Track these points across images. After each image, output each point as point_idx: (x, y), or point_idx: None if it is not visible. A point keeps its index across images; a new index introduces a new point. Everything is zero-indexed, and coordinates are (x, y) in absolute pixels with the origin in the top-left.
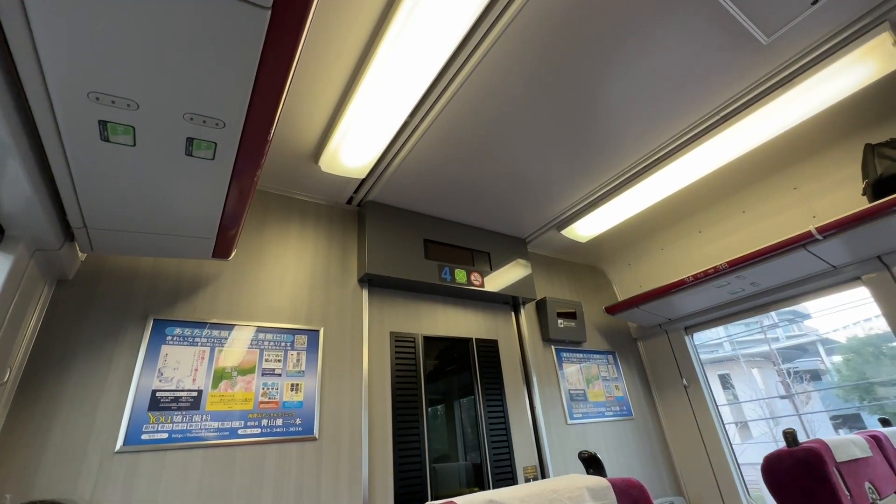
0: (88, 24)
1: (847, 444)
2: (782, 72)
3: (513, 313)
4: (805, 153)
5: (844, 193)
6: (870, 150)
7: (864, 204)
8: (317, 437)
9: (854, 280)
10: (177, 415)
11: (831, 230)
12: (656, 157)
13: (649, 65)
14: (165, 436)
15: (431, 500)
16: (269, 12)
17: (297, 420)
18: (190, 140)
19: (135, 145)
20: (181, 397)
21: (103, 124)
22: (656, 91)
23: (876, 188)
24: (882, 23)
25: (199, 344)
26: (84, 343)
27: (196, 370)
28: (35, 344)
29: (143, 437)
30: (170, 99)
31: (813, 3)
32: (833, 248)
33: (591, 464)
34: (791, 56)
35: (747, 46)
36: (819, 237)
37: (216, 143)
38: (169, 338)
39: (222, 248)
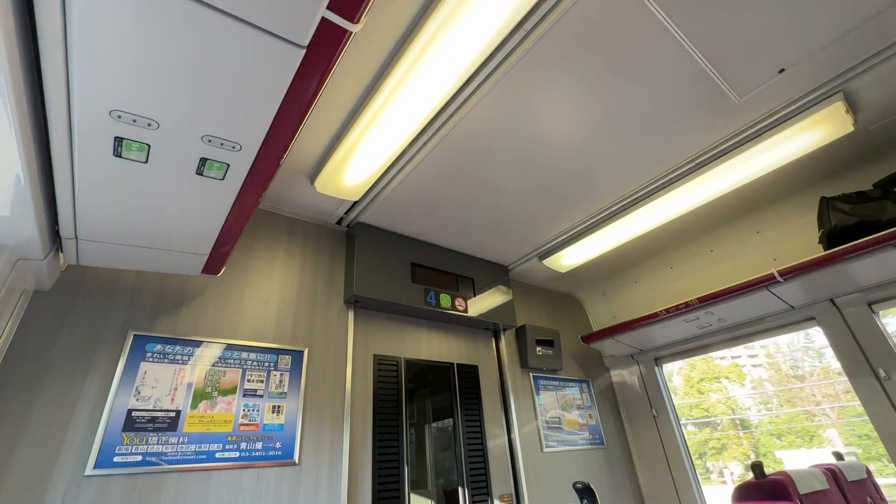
0: (126, 51)
1: (808, 477)
2: (751, 128)
3: (493, 339)
4: (767, 201)
5: (802, 239)
6: (825, 202)
7: (819, 249)
8: (297, 462)
9: (809, 320)
10: (152, 436)
11: (791, 273)
12: (633, 197)
13: (633, 117)
14: (139, 458)
15: None
16: (304, 51)
17: (278, 444)
18: (203, 160)
19: (147, 162)
20: (158, 417)
21: (119, 140)
22: (638, 140)
23: (830, 238)
24: (837, 93)
25: (180, 362)
26: (58, 358)
27: (175, 389)
28: (4, 358)
29: (116, 459)
30: (192, 121)
31: (780, 72)
32: (792, 289)
33: (586, 494)
34: (759, 115)
35: (722, 104)
36: (780, 279)
37: (228, 165)
38: (149, 354)
39: (214, 264)
